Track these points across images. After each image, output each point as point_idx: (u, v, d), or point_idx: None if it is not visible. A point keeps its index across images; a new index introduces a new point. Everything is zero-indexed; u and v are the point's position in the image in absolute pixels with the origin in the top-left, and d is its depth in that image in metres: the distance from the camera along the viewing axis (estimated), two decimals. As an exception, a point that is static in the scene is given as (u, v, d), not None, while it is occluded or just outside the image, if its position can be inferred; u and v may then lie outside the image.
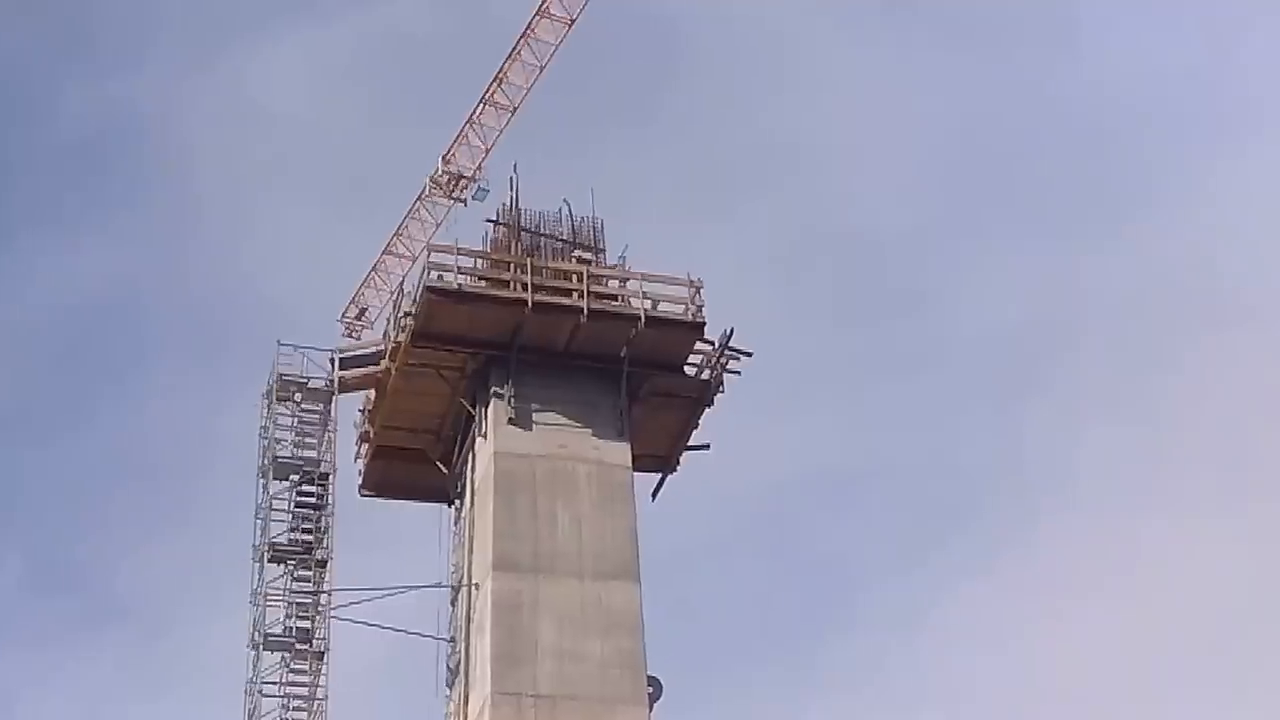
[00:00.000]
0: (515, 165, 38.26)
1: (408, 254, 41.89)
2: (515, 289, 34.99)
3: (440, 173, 42.05)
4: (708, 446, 37.41)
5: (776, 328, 70.76)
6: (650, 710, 32.85)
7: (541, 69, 42.56)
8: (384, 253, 42.79)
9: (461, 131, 42.42)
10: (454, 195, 41.91)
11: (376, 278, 42.78)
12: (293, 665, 34.53)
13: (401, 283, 38.02)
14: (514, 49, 42.37)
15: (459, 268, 35.32)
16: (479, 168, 42.10)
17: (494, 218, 37.48)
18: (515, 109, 42.58)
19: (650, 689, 33.04)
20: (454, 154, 42.45)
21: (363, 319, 42.69)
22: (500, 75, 42.57)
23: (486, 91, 42.63)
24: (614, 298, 35.84)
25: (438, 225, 41.68)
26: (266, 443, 36.25)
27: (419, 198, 42.41)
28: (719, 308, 36.00)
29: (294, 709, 34.25)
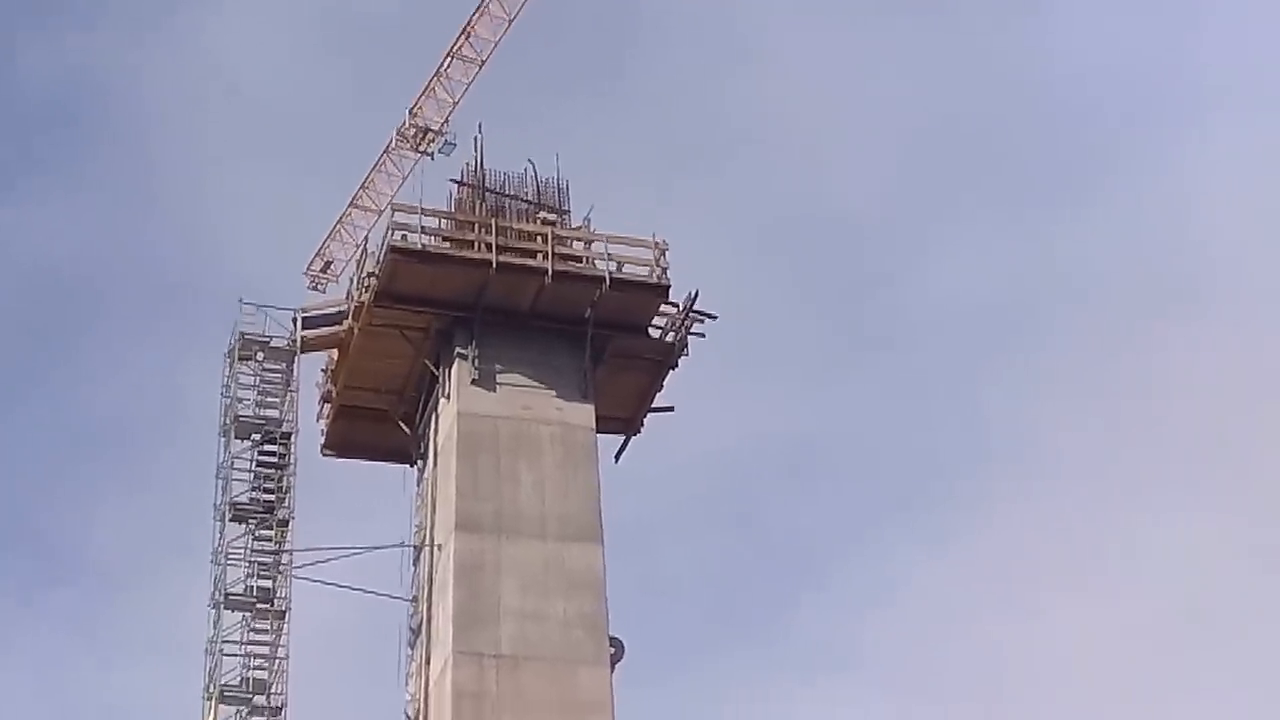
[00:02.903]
0: (480, 125, 38.52)
1: (374, 207, 41.77)
2: (479, 250, 35.13)
3: (407, 126, 41.91)
4: (672, 409, 37.80)
5: (741, 294, 71.19)
6: (612, 671, 33.27)
7: (510, 22, 42.24)
8: (350, 206, 42.63)
9: (428, 85, 42.19)
10: (420, 149, 41.75)
11: (342, 231, 42.62)
12: (254, 625, 34.63)
13: (365, 241, 38.03)
14: (482, 2, 42.39)
15: (423, 228, 35.61)
16: (446, 121, 41.95)
17: (458, 178, 37.61)
18: (483, 63, 42.27)
19: (612, 650, 33.49)
20: (421, 107, 42.24)
21: (328, 272, 42.59)
22: (468, 28, 42.14)
23: (454, 45, 42.20)
24: (579, 259, 36.02)
25: (404, 179, 41.45)
26: (228, 402, 36.26)
27: (385, 151, 42.22)
28: (684, 271, 36.41)
29: (255, 668, 34.31)
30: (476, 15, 42.51)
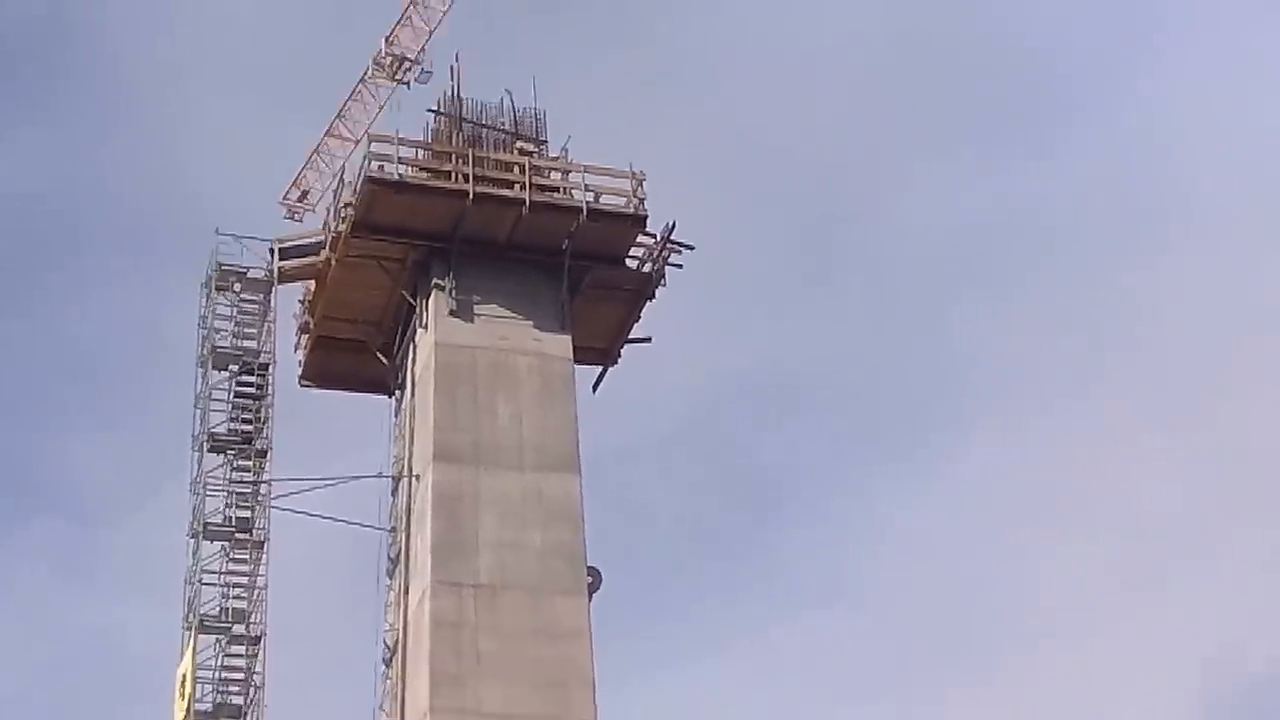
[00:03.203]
0: (457, 54, 38.48)
1: (350, 137, 41.40)
2: (456, 180, 35.15)
3: (383, 54, 41.50)
4: (649, 339, 37.99)
5: (719, 225, 71.35)
6: (589, 600, 33.58)
7: None
8: (326, 135, 42.30)
9: (405, 12, 41.80)
10: (397, 77, 41.37)
11: (319, 159, 42.24)
12: (233, 554, 34.63)
13: (342, 171, 38.05)
14: None
15: (400, 158, 35.69)
16: (423, 50, 41.47)
17: (435, 107, 37.53)
18: None
19: (590, 579, 33.78)
20: (397, 35, 41.79)
21: (305, 201, 42.17)
22: None
23: None
24: (556, 190, 36.10)
25: (380, 108, 41.07)
26: (205, 333, 36.22)
27: (361, 79, 41.83)
28: (661, 202, 36.50)
29: (234, 597, 34.33)
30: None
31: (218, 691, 33.75)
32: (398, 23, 42.44)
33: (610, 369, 37.99)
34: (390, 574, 35.32)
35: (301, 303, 38.20)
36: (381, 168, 35.18)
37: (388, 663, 34.44)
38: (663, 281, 36.95)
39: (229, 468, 35.39)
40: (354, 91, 42.34)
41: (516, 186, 35.50)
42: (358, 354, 37.97)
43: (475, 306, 35.50)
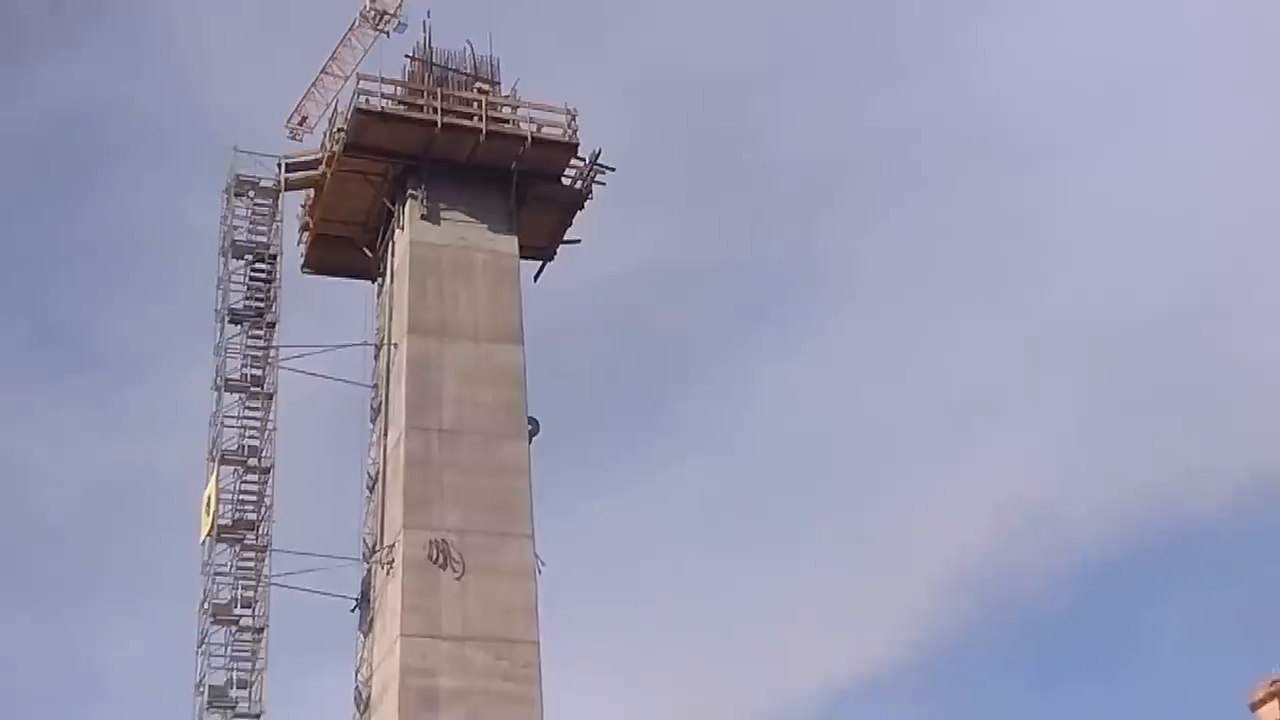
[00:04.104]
0: (429, 11, 38.18)
1: (341, 75, 40.65)
2: (427, 112, 35.40)
3: (368, 9, 40.82)
4: (579, 240, 38.54)
5: (633, 148, 72.05)
6: (530, 442, 34.50)
7: None
8: (321, 73, 41.84)
9: None
10: (378, 28, 40.77)
11: (315, 93, 41.48)
12: (247, 404, 35.02)
13: (335, 102, 37.79)
14: None
15: (382, 93, 35.85)
16: (400, 5, 41.04)
17: (411, 53, 37.37)
18: None
19: (530, 427, 34.65)
20: None
21: (304, 125, 41.26)
22: None
23: None
24: (506, 121, 36.34)
25: (365, 52, 40.19)
26: (226, 229, 36.24)
27: (350, 29, 41.17)
28: (590, 132, 36.96)
29: (249, 437, 34.86)
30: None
31: (235, 509, 34.39)
32: None
33: (548, 264, 38.36)
34: (373, 421, 36.06)
35: (303, 207, 38.33)
36: (367, 100, 35.34)
37: (370, 490, 35.28)
38: (590, 195, 37.43)
39: (245, 336, 35.67)
40: (344, 38, 41.75)
41: (475, 119, 35.67)
42: (348, 248, 38.18)
43: (441, 213, 35.86)
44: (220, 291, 36.18)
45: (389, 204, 36.72)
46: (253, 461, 34.79)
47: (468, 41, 37.68)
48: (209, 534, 33.97)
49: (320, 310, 39.45)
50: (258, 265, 36.51)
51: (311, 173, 37.23)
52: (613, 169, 37.43)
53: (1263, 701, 79.70)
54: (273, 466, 34.85)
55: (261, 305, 36.17)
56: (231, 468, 34.64)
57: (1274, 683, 78.93)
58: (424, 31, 38.10)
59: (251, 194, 36.83)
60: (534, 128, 36.35)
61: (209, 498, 34.25)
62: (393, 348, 35.37)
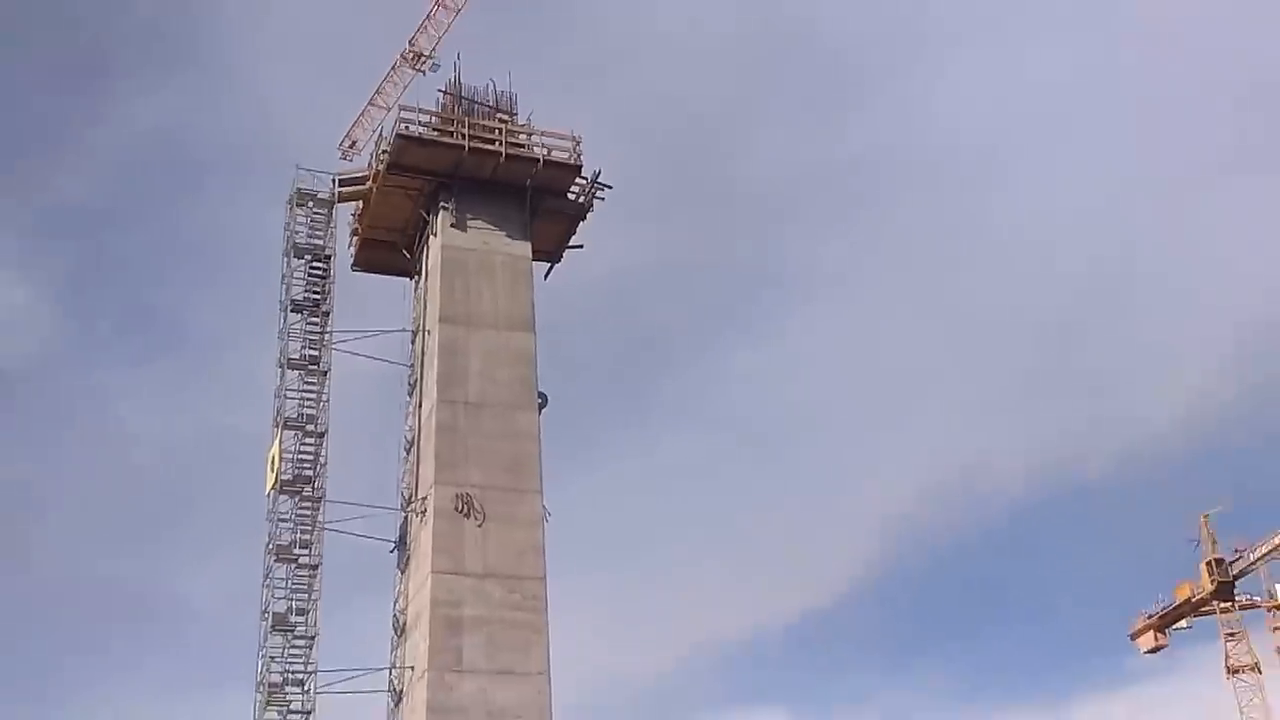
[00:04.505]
0: (459, 54, 38.85)
1: (384, 106, 40.99)
2: (457, 138, 36.06)
3: (408, 52, 41.68)
4: (582, 246, 39.09)
5: (627, 170, 73.45)
6: (540, 413, 35.04)
7: None
8: (368, 104, 42.71)
9: (421, 24, 42.07)
10: (416, 67, 41.18)
11: (364, 120, 41.73)
12: (306, 380, 35.37)
13: (380, 129, 38.38)
14: None
15: (419, 121, 36.44)
16: (434, 49, 41.71)
17: (443, 89, 37.98)
18: (459, 10, 42.55)
19: (540, 400, 35.28)
20: (417, 39, 41.93)
21: (354, 148, 41.50)
22: None
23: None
24: (522, 146, 36.88)
25: (404, 87, 40.98)
26: (289, 233, 36.73)
27: (392, 68, 42.12)
28: (592, 156, 37.57)
29: (306, 406, 35.24)
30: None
31: (295, 467, 34.82)
32: (417, 30, 43.11)
33: (556, 265, 38.94)
34: (409, 394, 36.59)
35: (353, 215, 38.84)
36: (407, 127, 36.03)
37: (407, 451, 35.84)
38: (591, 208, 37.96)
39: (304, 322, 36.07)
40: (387, 75, 42.61)
41: (496, 144, 36.28)
42: (390, 251, 38.68)
43: (468, 222, 36.39)
44: (284, 285, 36.67)
45: (424, 214, 37.34)
46: (310, 427, 35.23)
47: (490, 79, 38.46)
48: (273, 487, 34.56)
49: (366, 302, 39.88)
50: (315, 264, 36.94)
51: (360, 187, 37.83)
52: (611, 186, 38.11)
53: (1140, 632, 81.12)
54: (326, 431, 35.31)
55: (318, 297, 36.58)
56: (292, 432, 35.04)
57: (1149, 616, 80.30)
58: (454, 70, 38.82)
59: (310, 204, 37.31)
60: (545, 151, 37.02)
61: (273, 457, 34.80)
62: (427, 334, 35.93)
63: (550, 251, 38.39)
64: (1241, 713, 77.77)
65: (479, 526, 32.75)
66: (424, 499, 33.46)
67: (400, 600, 34.43)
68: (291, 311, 36.23)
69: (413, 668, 32.42)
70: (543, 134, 37.23)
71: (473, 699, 31.10)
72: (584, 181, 37.47)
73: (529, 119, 37.87)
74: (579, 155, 37.10)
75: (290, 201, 37.26)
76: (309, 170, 37.59)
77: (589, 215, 38.08)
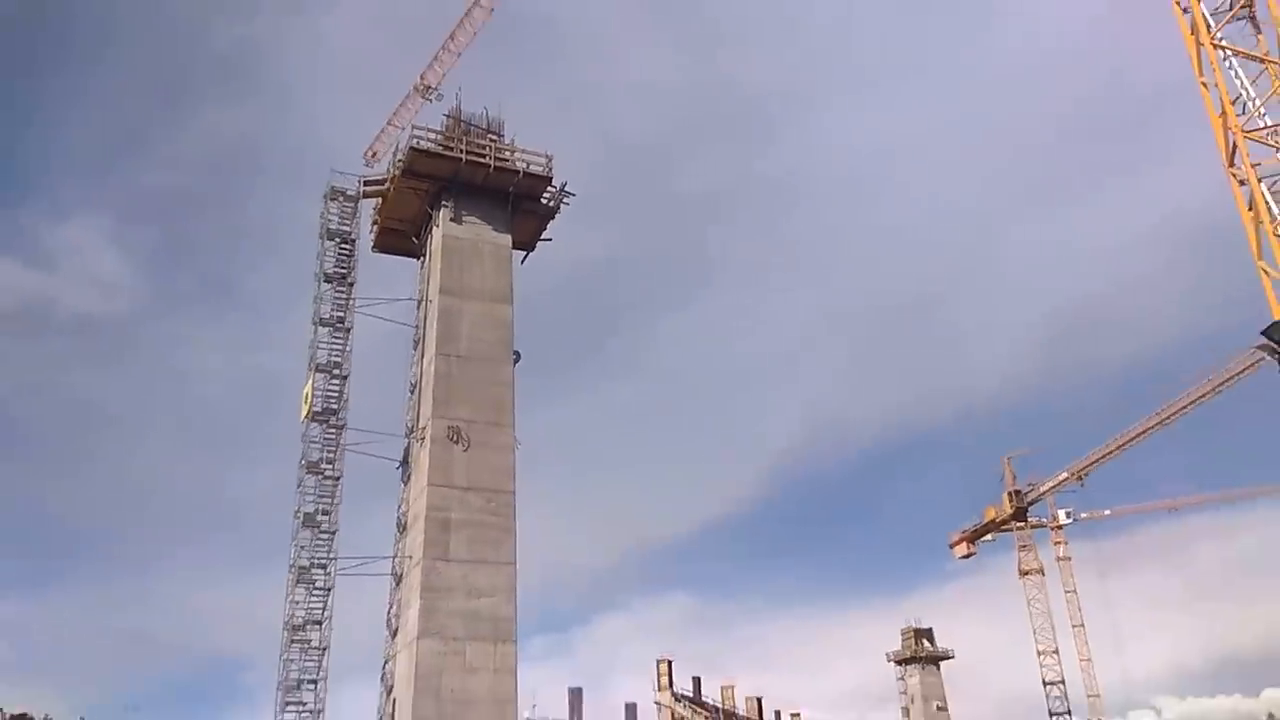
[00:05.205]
0: (460, 87, 39.00)
1: (400, 126, 41.22)
2: (457, 152, 36.25)
3: (419, 84, 41.76)
4: (551, 239, 39.23)
5: (588, 179, 73.59)
6: (514, 366, 35.14)
7: (475, 34, 42.41)
8: (387, 124, 42.58)
9: (430, 64, 42.08)
10: (425, 97, 41.45)
11: (384, 136, 42.20)
12: (334, 335, 35.64)
13: (397, 144, 38.47)
14: (462, 19, 42.19)
15: (427, 138, 36.55)
16: (440, 82, 41.66)
17: (447, 114, 37.99)
18: (459, 54, 42.36)
19: (515, 356, 35.42)
20: (426, 75, 42.07)
21: (375, 157, 41.86)
22: (452, 34, 42.32)
23: (444, 43, 42.25)
24: (507, 160, 37.10)
25: (415, 111, 41.23)
26: (323, 220, 37.00)
27: (405, 97, 42.09)
28: (561, 168, 37.59)
29: (334, 355, 35.24)
30: (458, 26, 42.34)
31: (324, 401, 34.99)
32: (426, 66, 42.82)
33: (530, 253, 39.01)
34: (414, 348, 36.72)
35: (374, 209, 39.12)
36: (418, 142, 36.38)
37: (411, 392, 35.98)
38: (559, 210, 38.11)
39: (333, 290, 36.34)
40: (402, 102, 42.66)
41: (487, 157, 36.51)
42: (402, 237, 38.73)
43: (463, 218, 36.52)
44: (319, 260, 36.96)
45: (429, 210, 37.76)
46: (336, 371, 35.64)
47: (484, 107, 38.79)
48: (306, 417, 35.09)
49: (383, 276, 40.22)
50: (343, 245, 37.26)
51: (380, 187, 38.22)
52: (575, 194, 38.62)
53: (957, 543, 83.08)
54: (349, 375, 35.79)
55: (344, 271, 36.90)
56: (322, 375, 35.48)
57: (964, 531, 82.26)
58: (456, 99, 39.05)
59: (341, 199, 37.69)
60: (525, 165, 37.41)
61: (307, 393, 35.30)
62: (429, 303, 36.32)
63: (526, 243, 38.79)
64: (1028, 603, 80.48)
65: (465, 451, 33.17)
66: (423, 429, 33.89)
67: (402, 505, 34.99)
68: (324, 281, 36.62)
69: (411, 557, 33.13)
70: (524, 151, 37.68)
71: (456, 581, 31.83)
72: (554, 190, 37.91)
73: (513, 139, 38.26)
74: (550, 169, 37.58)
75: (325, 196, 37.65)
76: (341, 173, 38.19)
77: (557, 216, 38.54)
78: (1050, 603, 78.95)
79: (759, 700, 74.88)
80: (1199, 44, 22.34)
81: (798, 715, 79.17)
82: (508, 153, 37.33)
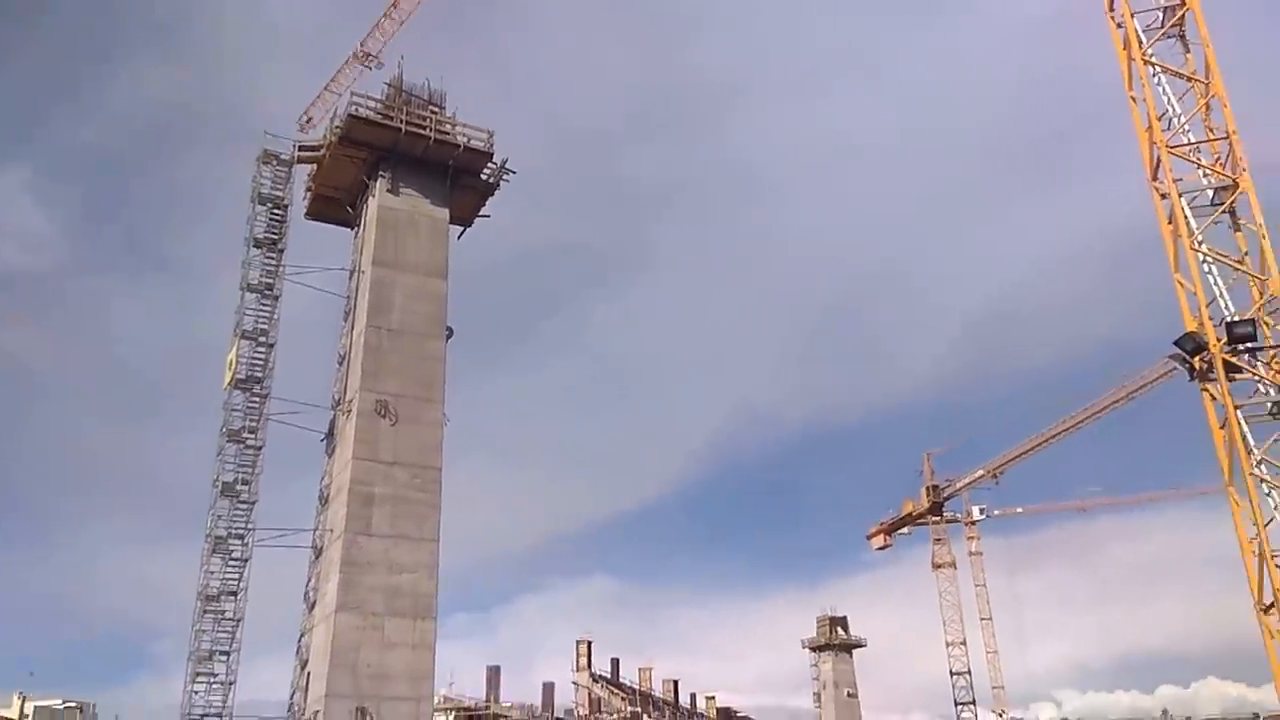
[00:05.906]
0: (402, 56, 38.43)
1: (337, 92, 40.85)
2: (396, 122, 35.61)
3: (359, 51, 41.33)
4: (489, 216, 38.87)
5: (528, 157, 73.05)
6: (446, 341, 34.62)
7: (419, 3, 41.89)
8: (324, 89, 42.05)
9: (370, 30, 41.60)
10: (365, 64, 41.07)
11: (320, 102, 41.72)
12: (262, 301, 35.09)
13: (334, 110, 37.78)
14: None
15: (367, 106, 35.83)
16: (381, 50, 41.29)
17: (388, 82, 37.40)
18: (402, 22, 41.84)
19: (447, 332, 34.92)
20: (367, 42, 41.65)
21: (311, 123, 41.52)
22: (395, 1, 41.80)
23: (386, 9, 41.71)
24: (447, 133, 36.58)
25: (355, 78, 40.81)
26: (255, 184, 36.30)
27: (345, 63, 41.61)
28: (502, 145, 37.06)
29: (261, 322, 34.57)
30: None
31: (248, 369, 34.51)
32: (367, 35, 42.17)
33: (467, 229, 38.53)
34: (345, 319, 36.23)
35: (309, 175, 38.20)
36: (356, 109, 35.63)
37: (340, 363, 35.52)
38: (498, 187, 37.68)
39: (263, 256, 35.74)
40: (341, 68, 42.04)
41: (427, 129, 35.89)
42: (337, 206, 38.13)
43: (400, 189, 35.91)
44: (249, 225, 36.25)
45: (366, 179, 37.05)
46: (262, 339, 35.16)
47: (426, 78, 38.07)
48: (229, 384, 34.53)
49: (315, 245, 39.42)
50: (275, 211, 36.57)
51: (315, 153, 37.43)
52: (515, 172, 38.10)
53: (874, 534, 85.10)
54: (275, 343, 35.36)
55: (275, 237, 36.25)
56: (248, 341, 34.95)
57: (881, 524, 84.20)
58: (398, 68, 38.38)
59: (274, 163, 36.94)
60: (465, 139, 36.84)
61: (231, 360, 34.73)
62: (361, 273, 35.76)
63: (464, 218, 38.31)
64: (940, 595, 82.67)
65: (392, 426, 32.71)
66: (350, 401, 33.45)
67: (326, 478, 34.51)
68: (254, 247, 35.88)
69: (332, 530, 32.68)
70: (465, 125, 37.11)
71: (378, 556, 31.45)
72: (494, 166, 37.38)
73: (454, 113, 37.64)
74: (491, 145, 37.02)
75: (258, 159, 36.81)
76: (275, 136, 37.31)
77: (496, 193, 38.09)
78: (960, 595, 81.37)
79: (675, 683, 75.71)
80: (1130, 59, 23.06)
81: (713, 698, 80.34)
82: (449, 126, 36.76)
